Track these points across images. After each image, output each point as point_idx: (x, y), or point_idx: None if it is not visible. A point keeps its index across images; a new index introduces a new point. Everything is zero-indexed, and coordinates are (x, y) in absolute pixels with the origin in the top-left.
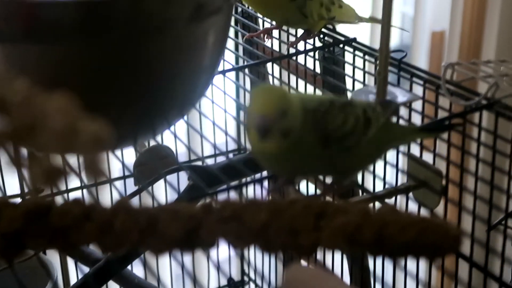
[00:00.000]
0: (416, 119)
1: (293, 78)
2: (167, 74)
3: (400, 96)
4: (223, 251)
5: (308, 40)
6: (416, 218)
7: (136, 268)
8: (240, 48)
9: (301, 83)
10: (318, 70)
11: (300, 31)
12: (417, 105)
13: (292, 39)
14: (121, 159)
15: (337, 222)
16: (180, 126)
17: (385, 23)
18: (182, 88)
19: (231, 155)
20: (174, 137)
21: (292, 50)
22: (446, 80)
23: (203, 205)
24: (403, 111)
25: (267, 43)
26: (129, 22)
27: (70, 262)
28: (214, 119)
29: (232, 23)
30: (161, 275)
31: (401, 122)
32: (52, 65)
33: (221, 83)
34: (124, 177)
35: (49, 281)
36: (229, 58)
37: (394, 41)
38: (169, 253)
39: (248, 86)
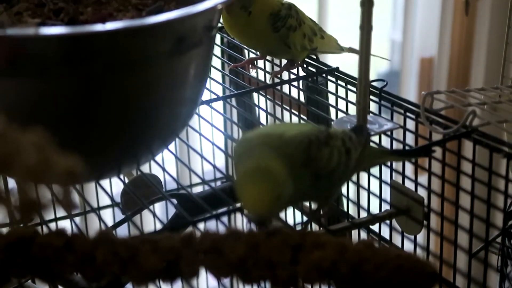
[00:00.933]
0: (399, 147)
1: (278, 107)
2: (149, 106)
3: (380, 125)
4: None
5: (292, 70)
6: (392, 254)
7: None
8: (227, 79)
9: (286, 112)
10: (302, 99)
11: (284, 61)
12: (400, 133)
13: (276, 69)
14: (110, 188)
15: (313, 257)
16: (168, 153)
17: (363, 53)
18: (164, 119)
19: (219, 183)
20: (161, 167)
21: (276, 80)
22: (426, 109)
23: (182, 236)
24: (384, 140)
25: (253, 73)
26: (111, 55)
27: None
28: (201, 148)
29: (219, 53)
30: None
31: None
32: (34, 98)
33: (207, 113)
34: (112, 206)
35: None
36: (216, 88)
37: (384, 68)
38: (151, 283)
39: (234, 116)
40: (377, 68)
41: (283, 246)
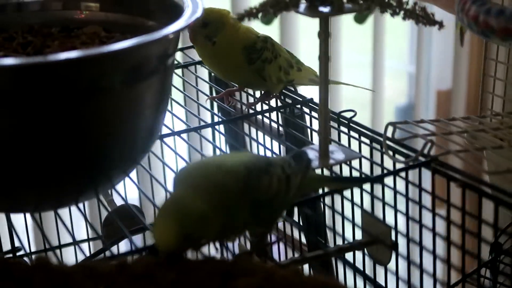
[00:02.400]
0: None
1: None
2: (104, 135)
3: (341, 154)
4: None
5: (267, 101)
6: (318, 282)
7: None
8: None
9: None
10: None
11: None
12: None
13: (252, 100)
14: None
15: (240, 283)
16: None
17: (322, 83)
18: (122, 148)
19: None
20: (123, 198)
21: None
22: (388, 138)
23: (118, 262)
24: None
25: (233, 104)
26: (64, 85)
27: None
28: (165, 177)
29: (206, 86)
30: None
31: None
32: None
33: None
34: (88, 240)
35: None
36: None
37: (402, 102)
38: None
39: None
40: (396, 102)
41: (213, 273)
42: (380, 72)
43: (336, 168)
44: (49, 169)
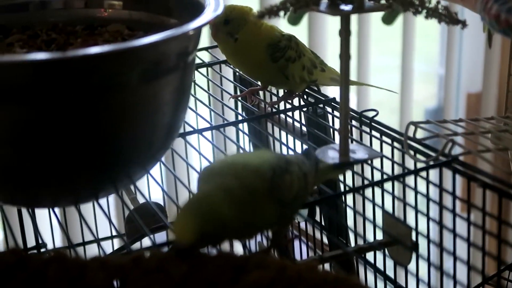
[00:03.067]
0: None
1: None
2: (122, 131)
3: (362, 153)
4: None
5: (289, 100)
6: (330, 277)
7: None
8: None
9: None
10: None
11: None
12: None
13: (275, 99)
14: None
15: (252, 277)
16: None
17: (343, 82)
18: (140, 144)
19: None
20: (144, 197)
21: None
22: (410, 138)
23: (133, 256)
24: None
25: (256, 103)
26: (81, 81)
27: None
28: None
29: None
30: None
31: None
32: (7, 125)
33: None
34: (112, 237)
35: None
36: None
37: (432, 105)
38: None
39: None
40: (426, 105)
41: (225, 266)
42: (410, 75)
43: (358, 168)
44: (67, 163)
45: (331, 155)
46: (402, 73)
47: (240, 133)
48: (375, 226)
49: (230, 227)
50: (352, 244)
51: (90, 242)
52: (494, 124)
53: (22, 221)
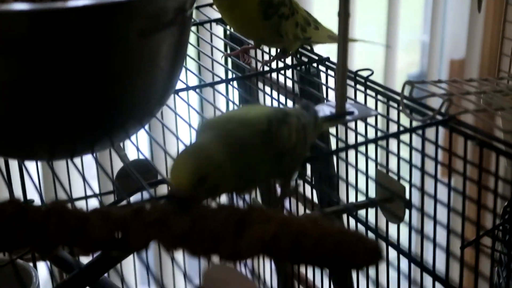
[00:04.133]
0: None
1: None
2: (120, 86)
3: (357, 111)
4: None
5: (283, 59)
6: (335, 230)
7: None
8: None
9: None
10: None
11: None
12: (384, 122)
13: (268, 58)
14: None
15: (255, 231)
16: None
17: (341, 40)
18: (138, 99)
19: None
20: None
21: (266, 69)
22: (406, 97)
23: (134, 208)
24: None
25: (249, 61)
26: (80, 34)
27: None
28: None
29: (221, 45)
30: (125, 276)
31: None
32: (3, 77)
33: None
34: (100, 194)
35: None
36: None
37: (414, 70)
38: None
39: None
40: (408, 72)
41: (227, 220)
42: (393, 43)
43: (352, 126)
44: (65, 116)
45: (327, 112)
46: (386, 40)
47: (230, 91)
48: (367, 182)
49: (228, 175)
50: (343, 201)
51: (79, 198)
52: (487, 85)
53: (10, 178)
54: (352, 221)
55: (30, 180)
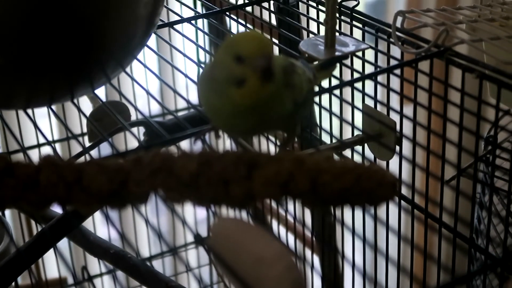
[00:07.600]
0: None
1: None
2: (100, 25)
3: (350, 45)
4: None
5: None
6: (351, 165)
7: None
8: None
9: None
10: (274, 21)
11: None
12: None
13: None
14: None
15: (269, 170)
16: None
17: None
18: (117, 39)
19: None
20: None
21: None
22: (397, 28)
23: (133, 157)
24: (356, 61)
25: None
26: None
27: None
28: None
29: None
30: (124, 230)
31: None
32: None
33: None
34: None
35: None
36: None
37: None
38: (98, 207)
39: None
40: None
41: (237, 162)
42: None
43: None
44: (41, 56)
45: (316, 47)
46: None
47: (199, 32)
48: (353, 119)
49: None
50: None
51: (32, 147)
52: (477, 13)
53: None
54: None
55: None
